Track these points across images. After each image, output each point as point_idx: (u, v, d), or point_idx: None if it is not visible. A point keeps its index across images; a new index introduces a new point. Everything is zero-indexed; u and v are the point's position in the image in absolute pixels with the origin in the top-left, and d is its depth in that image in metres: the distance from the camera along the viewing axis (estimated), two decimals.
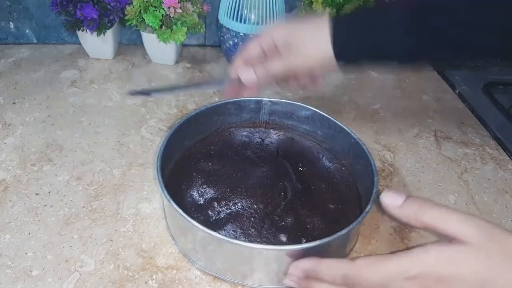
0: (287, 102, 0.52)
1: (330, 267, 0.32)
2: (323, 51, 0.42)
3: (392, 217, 0.31)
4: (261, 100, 0.52)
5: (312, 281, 0.33)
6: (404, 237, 0.46)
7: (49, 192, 0.47)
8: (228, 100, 0.51)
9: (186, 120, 0.47)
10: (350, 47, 0.42)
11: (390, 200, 0.31)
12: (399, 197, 0.31)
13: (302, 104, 0.52)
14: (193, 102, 0.64)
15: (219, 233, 0.35)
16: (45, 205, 0.46)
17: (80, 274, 0.39)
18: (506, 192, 0.53)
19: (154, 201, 0.47)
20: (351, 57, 0.43)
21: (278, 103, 0.52)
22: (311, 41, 0.43)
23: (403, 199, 0.31)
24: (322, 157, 0.51)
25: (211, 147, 0.51)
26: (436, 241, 0.28)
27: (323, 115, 0.50)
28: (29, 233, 0.43)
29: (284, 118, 0.53)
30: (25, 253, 0.41)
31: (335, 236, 0.35)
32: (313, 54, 0.43)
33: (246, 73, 0.45)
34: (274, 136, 0.54)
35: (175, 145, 0.47)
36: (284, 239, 0.40)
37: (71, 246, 0.42)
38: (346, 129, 0.48)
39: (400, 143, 0.60)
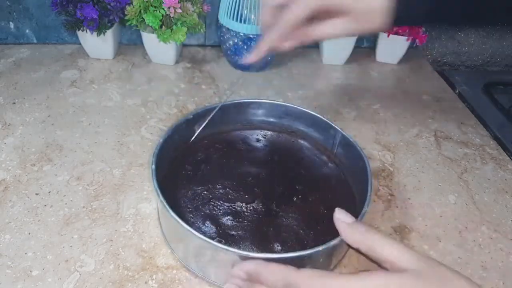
0: (283, 104, 0.52)
1: (274, 272, 0.32)
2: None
3: (341, 234, 0.34)
4: (260, 102, 0.52)
5: (255, 285, 0.33)
6: (404, 237, 0.46)
7: (49, 192, 0.47)
8: (226, 103, 0.51)
9: (182, 123, 0.47)
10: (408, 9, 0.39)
11: (343, 216, 0.35)
12: (350, 217, 0.35)
13: (297, 106, 0.52)
14: (193, 102, 0.64)
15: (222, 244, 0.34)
16: (45, 205, 0.46)
17: (80, 274, 0.39)
18: (506, 192, 0.53)
19: (154, 201, 0.47)
20: (408, 18, 0.40)
21: (275, 105, 0.53)
22: None
23: (353, 220, 0.35)
24: (317, 159, 0.51)
25: (207, 150, 0.51)
26: (379, 269, 0.31)
27: (317, 116, 0.51)
28: (29, 233, 0.43)
29: (281, 119, 0.53)
30: (25, 253, 0.41)
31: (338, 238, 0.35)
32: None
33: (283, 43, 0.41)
34: (271, 137, 0.54)
35: (171, 147, 0.47)
36: (279, 247, 0.40)
37: (71, 246, 0.42)
38: (338, 129, 0.48)
39: (400, 143, 0.60)
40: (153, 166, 0.40)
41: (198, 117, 0.49)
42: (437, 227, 0.47)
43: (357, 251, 0.34)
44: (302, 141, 0.53)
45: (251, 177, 0.47)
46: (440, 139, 0.61)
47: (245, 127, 0.54)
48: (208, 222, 0.41)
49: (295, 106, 0.52)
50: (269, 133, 0.54)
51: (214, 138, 0.52)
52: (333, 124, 0.49)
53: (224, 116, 0.52)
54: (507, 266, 0.44)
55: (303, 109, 0.51)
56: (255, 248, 0.39)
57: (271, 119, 0.54)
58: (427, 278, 0.29)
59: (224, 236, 0.40)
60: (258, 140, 0.53)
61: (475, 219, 0.49)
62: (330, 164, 0.50)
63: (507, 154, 0.60)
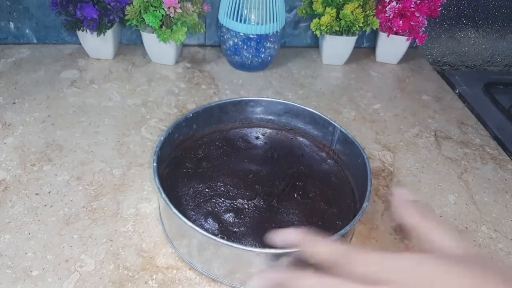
0: (282, 102, 0.52)
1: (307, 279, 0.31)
2: None
3: (395, 210, 0.34)
4: (258, 100, 0.53)
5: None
6: (404, 237, 0.46)
7: (49, 192, 0.47)
8: (227, 100, 0.51)
9: (183, 120, 0.47)
10: None
11: (404, 193, 0.35)
12: (410, 195, 0.35)
13: (296, 104, 0.52)
14: (193, 102, 0.64)
15: (219, 237, 0.35)
16: (45, 205, 0.46)
17: (80, 274, 0.39)
18: (506, 192, 0.53)
19: (154, 201, 0.47)
20: None
21: (273, 103, 0.53)
22: None
23: (412, 199, 0.35)
24: (316, 156, 0.51)
25: (207, 148, 0.51)
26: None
27: (315, 113, 0.51)
28: (29, 233, 0.43)
29: (279, 117, 0.54)
30: (25, 253, 0.41)
31: (335, 236, 0.35)
32: None
33: None
34: (270, 135, 0.54)
35: (172, 145, 0.47)
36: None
37: (71, 246, 0.42)
38: (337, 125, 0.49)
39: (400, 143, 0.60)
40: (155, 164, 0.40)
41: (198, 115, 0.49)
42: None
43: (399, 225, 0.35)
44: (301, 138, 0.53)
45: (252, 174, 0.47)
46: (440, 139, 0.61)
47: (244, 125, 0.54)
48: (210, 219, 0.41)
49: (294, 104, 0.52)
50: (268, 130, 0.54)
51: (214, 136, 0.52)
52: (331, 121, 0.49)
53: (223, 115, 0.52)
54: (507, 266, 0.44)
55: (301, 106, 0.51)
56: (257, 244, 0.40)
57: (270, 117, 0.54)
58: (470, 270, 0.28)
59: (226, 233, 0.40)
60: (257, 138, 0.53)
61: (475, 219, 0.49)
62: (329, 160, 0.51)
63: (507, 154, 0.60)
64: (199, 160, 0.48)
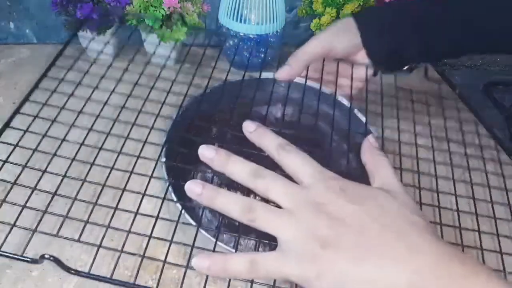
0: (299, 84, 0.51)
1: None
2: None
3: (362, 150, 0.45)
4: (278, 83, 0.51)
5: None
6: None
7: (49, 192, 0.47)
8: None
9: (183, 121, 0.47)
10: (377, 50, 0.48)
11: (372, 140, 0.49)
12: (375, 142, 0.47)
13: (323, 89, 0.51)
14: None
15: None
16: (45, 205, 0.46)
17: None
18: (506, 192, 0.53)
19: (154, 200, 0.47)
20: (380, 60, 0.49)
21: (289, 86, 0.51)
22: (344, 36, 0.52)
23: (376, 145, 0.47)
24: (336, 145, 0.49)
25: (219, 132, 0.49)
26: None
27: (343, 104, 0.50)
28: (29, 233, 0.43)
29: (294, 100, 0.52)
30: (25, 253, 0.41)
31: None
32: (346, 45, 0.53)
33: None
34: (291, 117, 0.52)
35: (172, 145, 0.46)
36: None
37: (71, 246, 0.42)
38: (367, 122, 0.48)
39: (400, 143, 0.60)
40: (164, 159, 0.40)
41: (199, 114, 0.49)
42: (437, 228, 0.47)
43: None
44: (323, 124, 0.52)
45: (263, 163, 0.46)
46: (440, 139, 0.61)
47: (264, 103, 0.52)
48: (210, 217, 0.41)
49: (323, 91, 0.52)
50: (291, 110, 0.53)
51: (227, 120, 0.50)
52: (358, 115, 0.48)
53: (242, 93, 0.51)
54: (506, 267, 0.44)
55: (327, 92, 0.50)
56: (260, 238, 0.39)
57: (286, 101, 0.51)
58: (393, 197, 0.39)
59: (229, 227, 0.40)
60: (276, 120, 0.51)
61: (475, 219, 0.49)
62: (350, 154, 0.49)
63: (507, 154, 0.60)
64: (200, 160, 0.48)
